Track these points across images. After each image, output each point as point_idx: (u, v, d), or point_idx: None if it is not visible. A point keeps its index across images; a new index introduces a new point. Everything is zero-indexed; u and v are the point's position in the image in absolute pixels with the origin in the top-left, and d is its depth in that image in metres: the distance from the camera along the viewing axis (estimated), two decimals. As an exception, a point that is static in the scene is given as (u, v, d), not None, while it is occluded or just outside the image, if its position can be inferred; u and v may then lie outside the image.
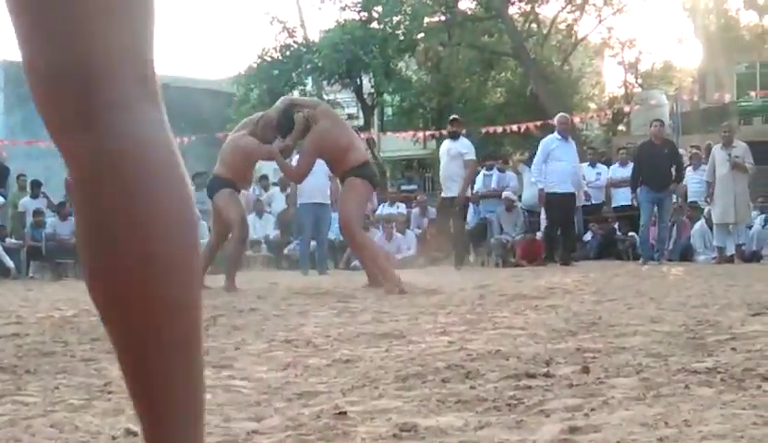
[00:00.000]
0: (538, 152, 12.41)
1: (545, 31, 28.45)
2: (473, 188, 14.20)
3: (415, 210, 16.03)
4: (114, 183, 0.92)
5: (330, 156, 7.64)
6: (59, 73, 0.92)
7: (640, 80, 33.59)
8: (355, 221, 7.46)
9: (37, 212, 14.77)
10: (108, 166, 0.92)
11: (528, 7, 27.91)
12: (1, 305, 6.99)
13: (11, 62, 26.24)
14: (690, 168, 13.75)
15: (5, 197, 15.84)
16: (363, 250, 7.73)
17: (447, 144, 12.52)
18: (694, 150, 14.52)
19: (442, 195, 12.53)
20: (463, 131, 13.05)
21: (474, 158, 12.40)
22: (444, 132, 17.61)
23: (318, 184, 11.19)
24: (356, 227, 7.49)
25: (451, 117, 13.45)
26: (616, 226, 14.41)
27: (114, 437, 2.02)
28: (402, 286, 6.77)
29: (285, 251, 15.04)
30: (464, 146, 12.29)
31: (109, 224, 0.93)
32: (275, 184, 16.84)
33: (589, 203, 14.50)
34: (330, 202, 11.83)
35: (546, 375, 2.61)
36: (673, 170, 12.18)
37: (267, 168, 15.51)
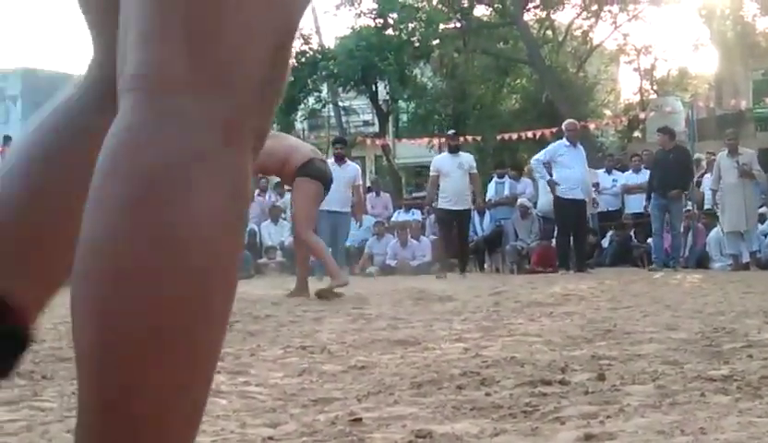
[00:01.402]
0: (543, 151, 12.40)
1: (560, 38, 28.45)
2: (484, 197, 14.36)
3: (430, 217, 16.01)
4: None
5: (275, 173, 8.28)
6: None
7: (655, 87, 33.47)
8: (303, 221, 7.65)
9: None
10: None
11: (543, 14, 27.91)
12: (18, 310, 7.02)
13: (29, 70, 26.18)
14: (707, 175, 13.65)
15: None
16: (301, 249, 7.95)
17: (450, 158, 12.34)
18: (712, 157, 14.40)
19: (448, 208, 12.23)
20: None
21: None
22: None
23: (336, 192, 11.18)
24: (303, 228, 7.67)
25: (452, 131, 13.47)
26: (632, 233, 14.35)
27: None
28: (347, 282, 7.31)
29: (300, 257, 15.01)
30: (471, 159, 12.60)
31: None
32: (290, 190, 16.80)
33: (605, 210, 14.45)
34: (348, 210, 11.85)
35: (562, 382, 2.60)
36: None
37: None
